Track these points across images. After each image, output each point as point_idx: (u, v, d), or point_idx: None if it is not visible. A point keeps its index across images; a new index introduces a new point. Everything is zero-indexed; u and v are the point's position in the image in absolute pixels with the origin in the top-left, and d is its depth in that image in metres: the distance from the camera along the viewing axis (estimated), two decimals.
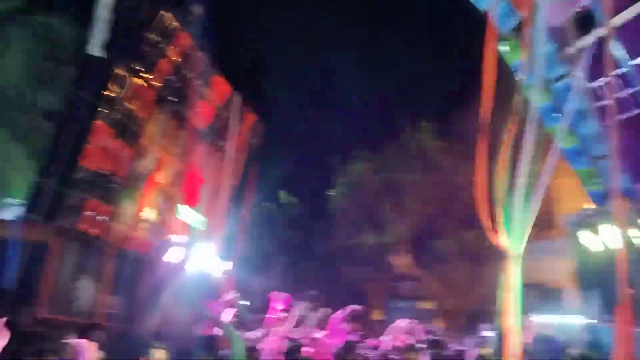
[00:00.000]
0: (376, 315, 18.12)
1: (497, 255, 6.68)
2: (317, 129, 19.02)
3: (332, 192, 20.09)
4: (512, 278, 6.07)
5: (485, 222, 6.39)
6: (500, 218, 6.34)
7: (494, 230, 6.26)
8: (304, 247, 19.94)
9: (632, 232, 6.32)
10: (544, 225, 15.57)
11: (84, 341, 4.08)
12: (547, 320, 11.98)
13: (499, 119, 6.72)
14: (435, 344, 7.61)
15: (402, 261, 19.02)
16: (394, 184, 19.38)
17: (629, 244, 6.34)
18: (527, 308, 13.01)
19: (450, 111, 17.56)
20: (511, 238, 6.10)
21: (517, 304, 5.99)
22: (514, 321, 5.95)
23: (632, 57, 6.22)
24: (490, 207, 6.36)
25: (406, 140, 19.46)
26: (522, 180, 6.01)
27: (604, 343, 7.32)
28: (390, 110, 18.62)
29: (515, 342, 5.83)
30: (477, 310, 11.46)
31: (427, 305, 16.45)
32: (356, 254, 19.53)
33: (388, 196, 19.37)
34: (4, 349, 3.64)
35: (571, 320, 10.05)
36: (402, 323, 8.90)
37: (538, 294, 13.92)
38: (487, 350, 7.70)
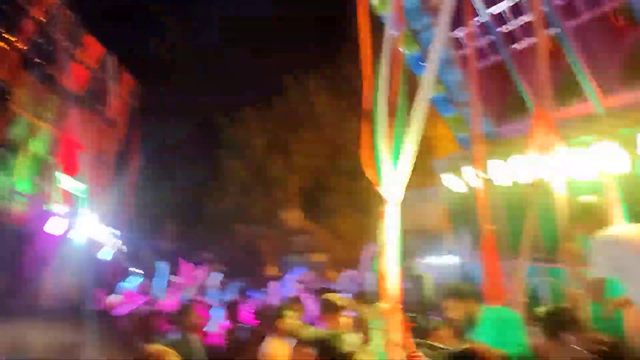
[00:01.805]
0: (271, 271, 18.40)
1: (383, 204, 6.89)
2: (202, 91, 18.65)
3: (221, 154, 19.87)
4: (391, 223, 6.35)
5: (369, 172, 6.67)
6: (381, 167, 6.60)
7: (376, 179, 6.50)
8: (196, 209, 19.72)
9: (492, 172, 6.79)
10: (427, 173, 16.37)
11: None
12: (429, 262, 12.73)
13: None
14: (323, 291, 7.89)
15: (293, 216, 19.30)
16: (281, 141, 19.49)
17: (488, 183, 6.84)
18: (411, 252, 13.74)
19: (334, 65, 17.77)
20: (389, 185, 6.36)
21: (396, 248, 6.28)
22: (393, 264, 6.25)
23: (488, 7, 6.59)
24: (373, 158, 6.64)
25: (291, 98, 19.53)
26: (394, 128, 6.28)
27: (474, 278, 7.91)
28: (275, 68, 18.54)
29: (392, 284, 6.13)
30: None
31: (320, 257, 16.89)
32: (248, 213, 19.59)
33: (277, 154, 19.48)
34: None
35: (448, 260, 10.73)
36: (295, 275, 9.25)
37: (422, 238, 14.69)
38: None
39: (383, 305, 6.12)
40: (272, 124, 19.62)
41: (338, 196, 18.16)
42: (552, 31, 6.03)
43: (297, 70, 18.91)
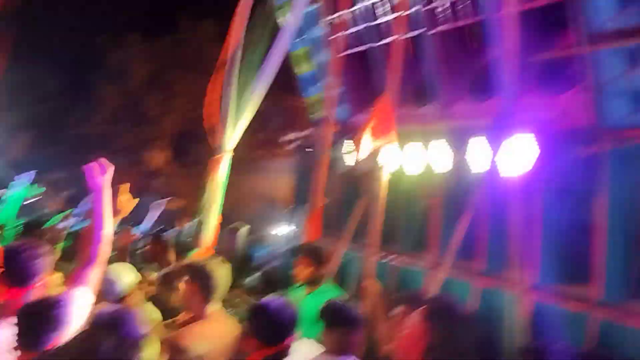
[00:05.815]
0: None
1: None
2: (89, 10, 17.33)
3: (95, 75, 18.65)
4: (221, 174, 6.41)
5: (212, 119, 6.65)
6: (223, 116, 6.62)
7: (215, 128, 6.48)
8: (55, 126, 18.28)
9: (339, 154, 7.05)
10: (279, 145, 16.44)
11: None
12: (275, 231, 13.05)
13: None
14: None
15: (159, 157, 18.69)
16: (164, 77, 18.66)
17: (333, 164, 7.10)
18: (268, 221, 13.86)
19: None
20: (226, 135, 6.39)
21: (220, 198, 6.36)
22: (214, 213, 6.32)
23: None
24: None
25: (185, 34, 18.71)
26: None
27: None
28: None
29: (209, 233, 6.22)
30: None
31: (176, 203, 16.57)
32: (111, 143, 18.64)
33: (155, 89, 18.69)
34: None
35: (285, 230, 11.12)
36: None
37: (271, 207, 15.03)
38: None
39: (198, 252, 6.23)
40: (158, 56, 18.73)
41: (209, 148, 17.75)
42: (415, 34, 6.31)
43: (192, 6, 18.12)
